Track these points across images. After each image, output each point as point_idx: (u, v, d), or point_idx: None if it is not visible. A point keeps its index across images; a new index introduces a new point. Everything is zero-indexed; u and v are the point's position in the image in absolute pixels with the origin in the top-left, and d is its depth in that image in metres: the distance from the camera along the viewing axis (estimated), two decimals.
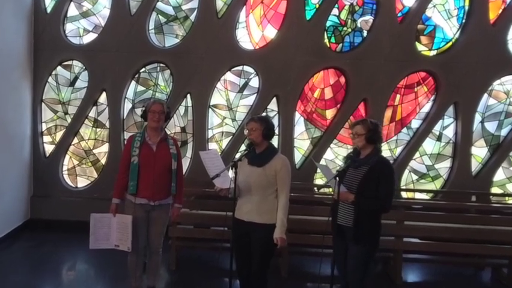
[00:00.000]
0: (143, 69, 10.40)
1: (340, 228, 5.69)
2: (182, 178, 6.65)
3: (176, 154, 6.45)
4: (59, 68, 10.44)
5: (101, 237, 6.40)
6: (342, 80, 10.34)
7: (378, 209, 5.61)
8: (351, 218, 5.57)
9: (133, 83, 10.42)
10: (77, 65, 10.46)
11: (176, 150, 6.47)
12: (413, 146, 10.34)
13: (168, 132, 6.75)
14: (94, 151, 10.62)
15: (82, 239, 6.73)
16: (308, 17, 10.17)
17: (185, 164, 10.09)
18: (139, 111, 10.05)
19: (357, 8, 10.26)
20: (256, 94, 10.35)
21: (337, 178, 5.48)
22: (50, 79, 10.44)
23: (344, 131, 10.29)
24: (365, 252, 5.61)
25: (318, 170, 10.11)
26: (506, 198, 10.31)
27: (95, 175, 10.63)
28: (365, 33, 10.28)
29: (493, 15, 10.07)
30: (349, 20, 10.27)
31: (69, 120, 10.50)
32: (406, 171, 10.41)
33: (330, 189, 9.43)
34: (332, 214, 5.74)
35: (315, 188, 10.11)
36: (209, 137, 10.44)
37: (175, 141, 6.60)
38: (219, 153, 9.86)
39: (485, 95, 10.23)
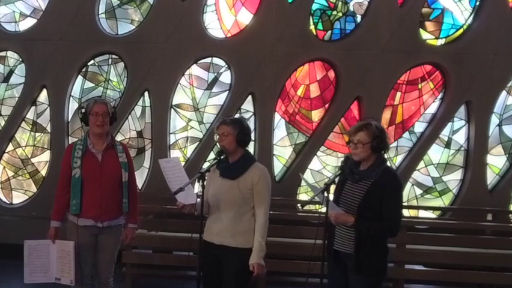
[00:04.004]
0: (91, 62, 10.36)
1: (337, 254, 5.62)
2: (136, 192, 6.56)
3: (127, 163, 6.35)
4: None
5: (39, 268, 6.28)
6: (331, 74, 10.34)
7: (385, 233, 5.54)
8: (351, 244, 5.43)
9: (80, 78, 10.38)
10: (12, 57, 10.42)
11: (127, 158, 6.39)
12: (416, 154, 10.33)
13: (121, 138, 6.70)
14: (33, 160, 10.54)
15: (17, 265, 6.61)
16: None
17: (143, 175, 10.08)
18: None
19: None
20: (227, 92, 10.34)
21: (325, 193, 5.40)
22: None
23: (333, 136, 10.30)
24: (369, 284, 5.53)
25: (303, 183, 10.11)
26: None
27: (34, 189, 10.54)
28: (358, 18, 10.30)
29: None
30: (339, 3, 10.27)
31: (2, 123, 10.42)
32: (408, 185, 10.36)
33: (317, 206, 9.55)
34: (327, 237, 5.65)
35: (299, 205, 10.10)
36: (171, 143, 10.39)
37: (125, 148, 6.52)
38: (183, 162, 9.86)
39: (503, 93, 10.27)
